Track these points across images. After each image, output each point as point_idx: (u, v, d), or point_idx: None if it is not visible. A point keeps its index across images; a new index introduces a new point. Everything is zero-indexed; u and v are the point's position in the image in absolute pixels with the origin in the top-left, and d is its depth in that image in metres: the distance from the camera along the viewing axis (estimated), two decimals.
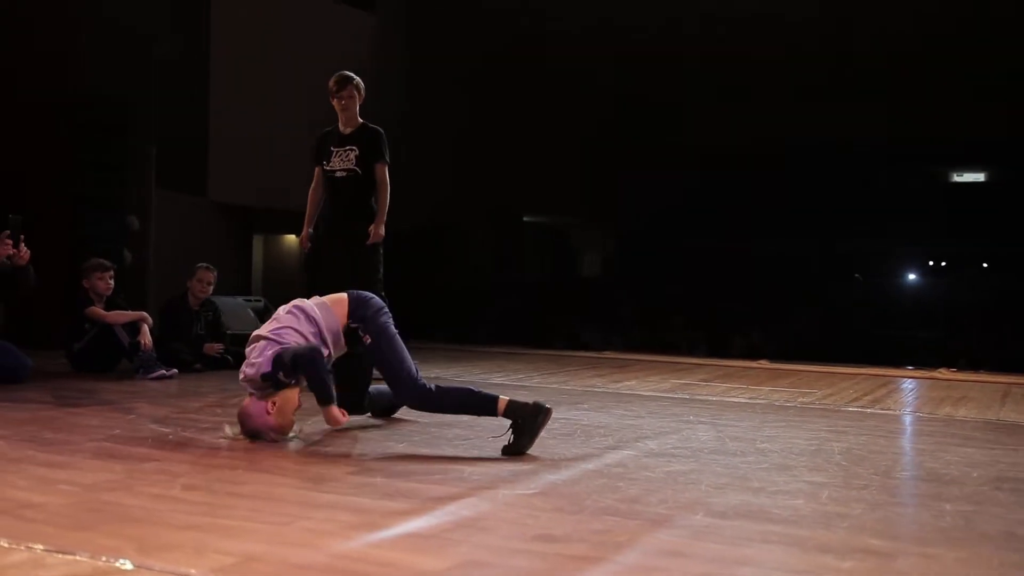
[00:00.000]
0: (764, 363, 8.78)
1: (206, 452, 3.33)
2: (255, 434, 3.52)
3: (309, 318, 3.61)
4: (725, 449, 3.73)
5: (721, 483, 3.02)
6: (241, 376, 3.57)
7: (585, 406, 5.07)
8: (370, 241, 5.70)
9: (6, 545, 2.04)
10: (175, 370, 5.98)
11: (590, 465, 3.28)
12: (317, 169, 5.91)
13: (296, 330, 3.56)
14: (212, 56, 10.06)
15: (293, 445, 3.50)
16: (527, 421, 3.44)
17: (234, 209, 10.39)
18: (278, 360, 3.46)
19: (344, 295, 3.76)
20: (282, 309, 3.71)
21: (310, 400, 3.59)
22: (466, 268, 12.84)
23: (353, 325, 3.65)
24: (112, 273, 6.30)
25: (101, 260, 6.36)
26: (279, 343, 3.52)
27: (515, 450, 3.43)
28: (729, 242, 13.84)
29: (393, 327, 3.71)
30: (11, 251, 5.20)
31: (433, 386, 3.62)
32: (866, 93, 12.85)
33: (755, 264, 13.96)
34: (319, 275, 5.40)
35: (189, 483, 2.77)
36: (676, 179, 13.24)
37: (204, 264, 6.84)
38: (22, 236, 5.26)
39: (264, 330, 3.62)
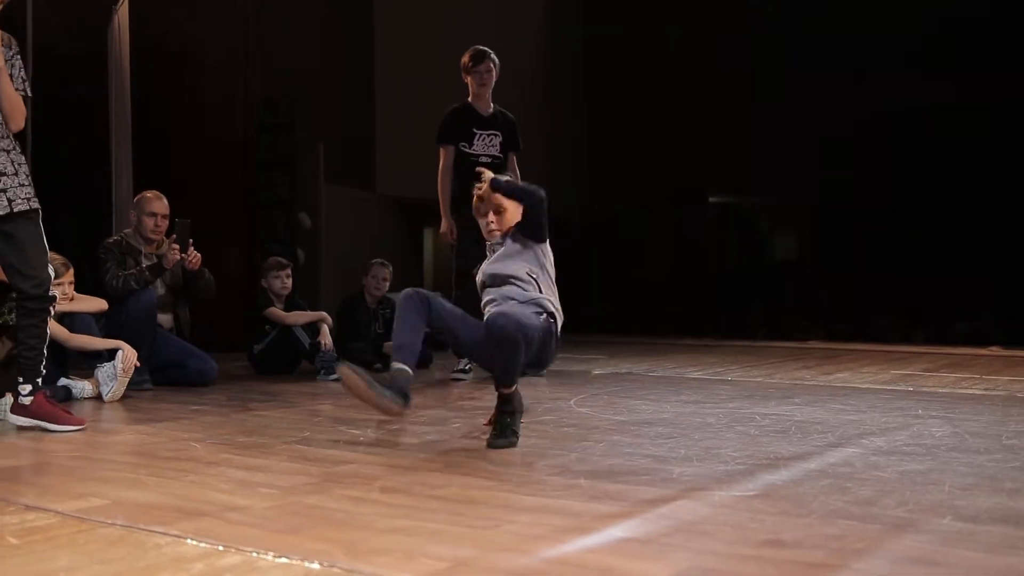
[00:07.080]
0: (996, 350, 8.31)
1: (399, 454, 3.43)
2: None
3: None
4: (965, 446, 3.54)
5: (967, 484, 2.87)
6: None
7: (796, 400, 4.95)
8: None
9: (221, 548, 2.17)
10: None
11: (812, 464, 3.19)
12: (448, 149, 6.04)
13: None
14: (376, 45, 10.38)
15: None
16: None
17: (403, 202, 10.70)
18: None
19: None
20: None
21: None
22: (651, 256, 12.76)
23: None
24: (289, 272, 6.61)
25: (279, 258, 6.69)
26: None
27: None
28: (945, 216, 13.07)
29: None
30: (179, 256, 5.49)
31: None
32: None
33: (980, 240, 13.16)
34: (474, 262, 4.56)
35: (387, 486, 2.86)
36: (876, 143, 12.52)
37: (379, 260, 7.07)
38: (191, 241, 5.54)
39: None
